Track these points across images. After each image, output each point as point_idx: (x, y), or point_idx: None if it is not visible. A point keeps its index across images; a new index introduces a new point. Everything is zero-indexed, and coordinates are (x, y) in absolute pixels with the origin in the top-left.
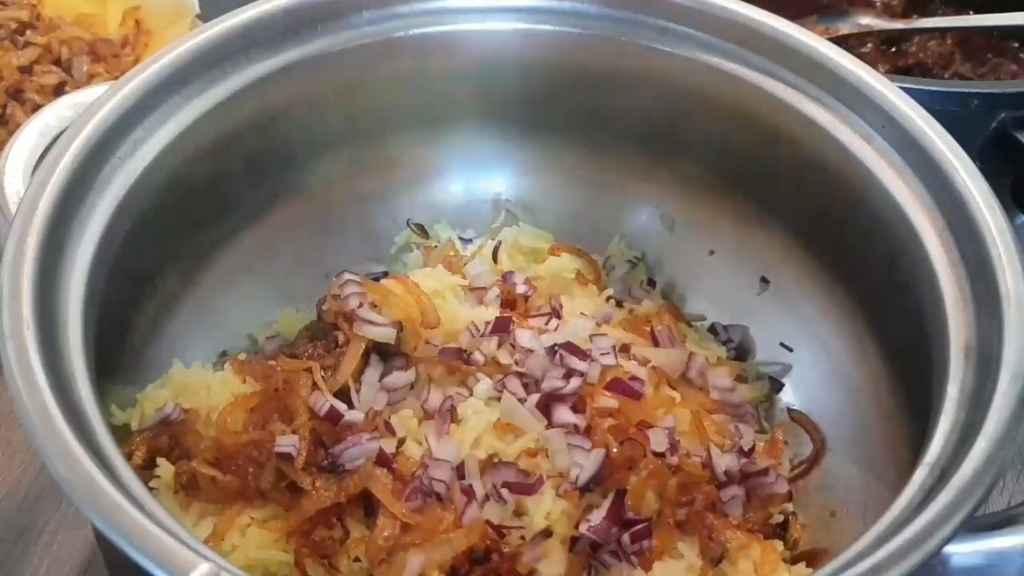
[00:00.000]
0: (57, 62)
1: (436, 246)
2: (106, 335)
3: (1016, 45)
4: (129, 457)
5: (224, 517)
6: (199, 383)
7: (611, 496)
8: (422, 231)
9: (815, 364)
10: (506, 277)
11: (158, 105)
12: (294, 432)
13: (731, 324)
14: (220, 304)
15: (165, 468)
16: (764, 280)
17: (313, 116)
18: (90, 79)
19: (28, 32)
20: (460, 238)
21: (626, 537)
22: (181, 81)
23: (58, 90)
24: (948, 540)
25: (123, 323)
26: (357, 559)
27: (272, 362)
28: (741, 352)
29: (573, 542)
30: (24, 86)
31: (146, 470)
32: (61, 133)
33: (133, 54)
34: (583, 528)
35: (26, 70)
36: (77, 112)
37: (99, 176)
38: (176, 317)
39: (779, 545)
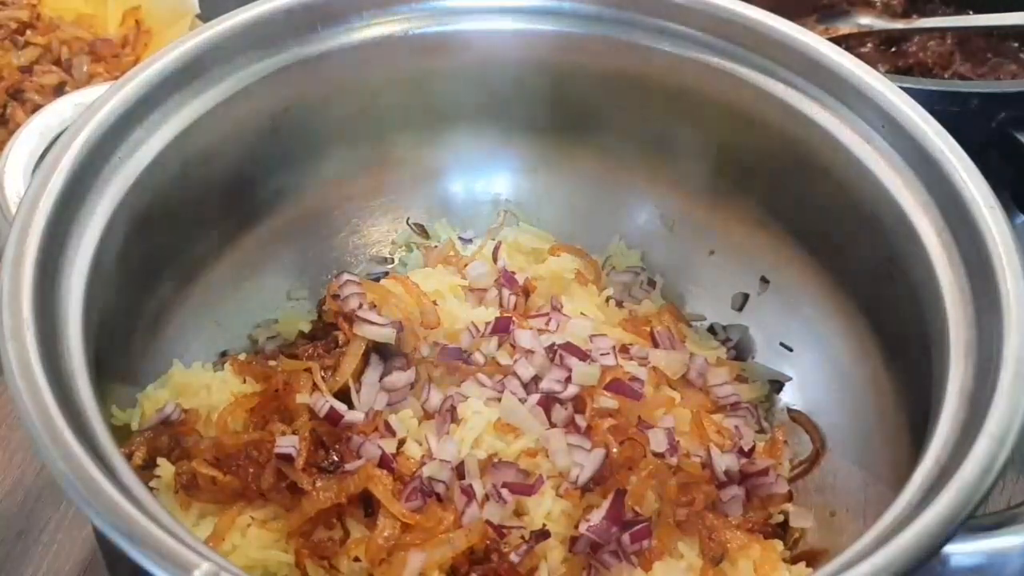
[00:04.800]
0: (57, 62)
1: (436, 246)
2: (106, 335)
3: (1016, 45)
4: (129, 457)
5: (224, 517)
6: (199, 383)
7: (611, 496)
8: (422, 231)
9: (815, 364)
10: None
11: (158, 105)
12: (294, 433)
13: (731, 324)
14: (220, 304)
15: (165, 468)
16: (764, 280)
17: (313, 116)
18: (90, 79)
19: (28, 32)
20: (460, 238)
21: (626, 537)
22: (181, 81)
23: (58, 90)
24: (948, 540)
25: (123, 323)
26: (357, 559)
27: (272, 362)
28: (741, 352)
29: (573, 542)
30: (24, 86)
31: (146, 470)
32: (61, 133)
33: (133, 54)
34: (583, 528)
35: (26, 70)
36: (77, 112)
37: (99, 176)
38: (176, 317)
39: (779, 545)
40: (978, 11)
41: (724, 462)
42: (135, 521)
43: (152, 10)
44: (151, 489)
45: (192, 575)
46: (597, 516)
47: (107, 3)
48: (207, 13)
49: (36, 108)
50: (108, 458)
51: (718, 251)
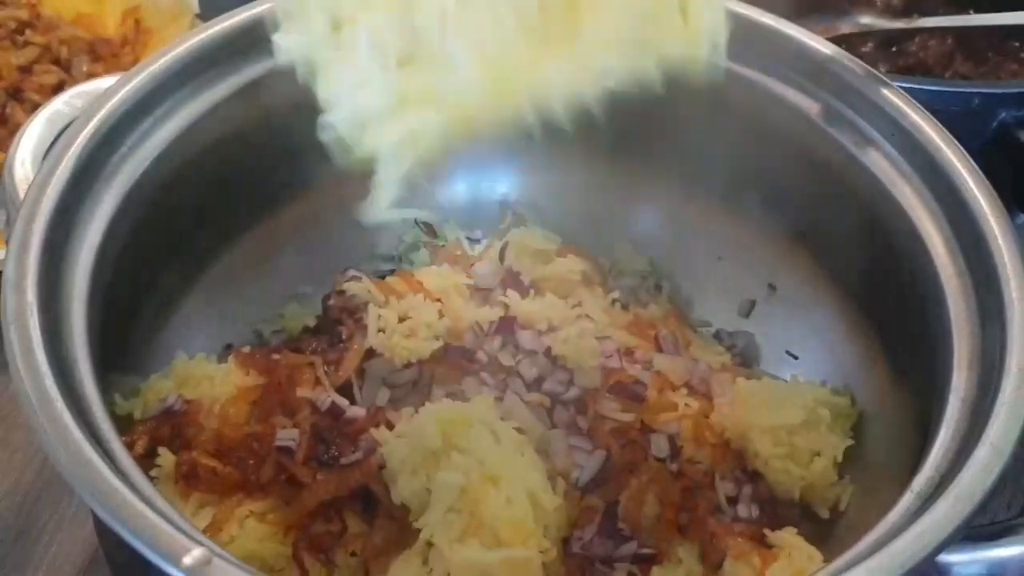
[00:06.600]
0: (56, 61)
1: (443, 245)
2: (110, 324)
3: (1017, 44)
4: (131, 446)
5: (223, 508)
6: (202, 374)
7: (600, 512)
8: (430, 230)
9: (821, 372)
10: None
11: (167, 97)
12: (295, 426)
13: (737, 331)
14: (225, 297)
15: (166, 458)
16: (771, 287)
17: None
18: (89, 79)
19: (27, 31)
20: (468, 238)
21: (622, 550)
22: (191, 74)
23: (57, 90)
24: (944, 547)
25: (128, 313)
26: (354, 553)
27: (276, 356)
28: (746, 359)
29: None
30: (24, 85)
31: (147, 459)
32: (72, 122)
33: (132, 53)
34: (576, 547)
35: (25, 70)
36: (87, 101)
37: (107, 165)
38: (181, 309)
39: (792, 531)
40: (979, 10)
41: None
42: (132, 506)
43: (151, 9)
44: (152, 479)
45: (183, 560)
46: (589, 533)
47: (106, 2)
48: (206, 13)
49: (35, 108)
50: (107, 444)
51: (726, 257)
